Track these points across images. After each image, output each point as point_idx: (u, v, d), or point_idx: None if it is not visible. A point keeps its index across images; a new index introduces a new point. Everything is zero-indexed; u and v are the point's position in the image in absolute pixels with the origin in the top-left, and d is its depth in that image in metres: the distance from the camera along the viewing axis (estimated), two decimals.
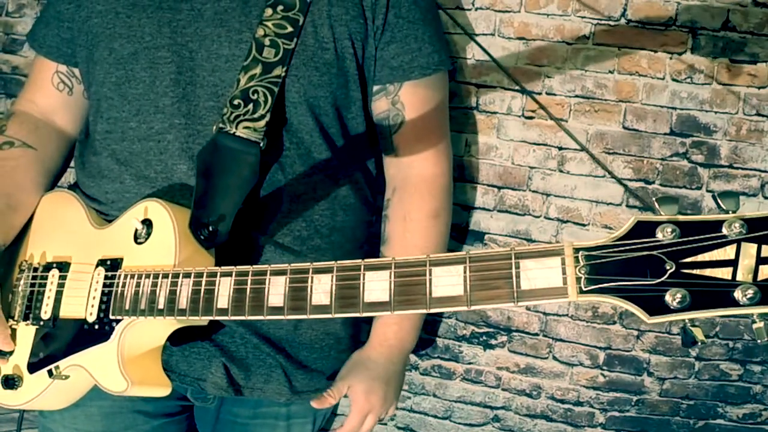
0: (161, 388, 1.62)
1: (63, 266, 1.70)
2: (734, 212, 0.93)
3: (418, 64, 1.79)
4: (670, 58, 2.14)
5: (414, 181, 1.87)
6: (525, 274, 1.03)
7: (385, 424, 2.55)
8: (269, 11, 1.67)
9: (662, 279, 0.93)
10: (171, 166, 1.71)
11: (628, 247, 0.95)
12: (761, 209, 2.07)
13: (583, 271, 0.98)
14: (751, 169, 2.16)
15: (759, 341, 0.91)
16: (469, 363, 2.43)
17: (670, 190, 2.19)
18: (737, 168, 2.16)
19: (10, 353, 1.71)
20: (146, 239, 1.59)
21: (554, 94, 2.21)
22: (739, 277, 0.90)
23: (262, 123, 1.64)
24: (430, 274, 1.13)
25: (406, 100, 1.81)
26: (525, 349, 2.37)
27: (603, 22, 2.15)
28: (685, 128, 2.17)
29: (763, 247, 0.90)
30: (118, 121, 1.75)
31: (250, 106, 1.64)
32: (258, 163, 1.64)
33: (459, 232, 2.35)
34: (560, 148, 2.23)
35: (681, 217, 0.94)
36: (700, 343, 0.95)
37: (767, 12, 2.07)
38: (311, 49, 1.70)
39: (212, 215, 1.61)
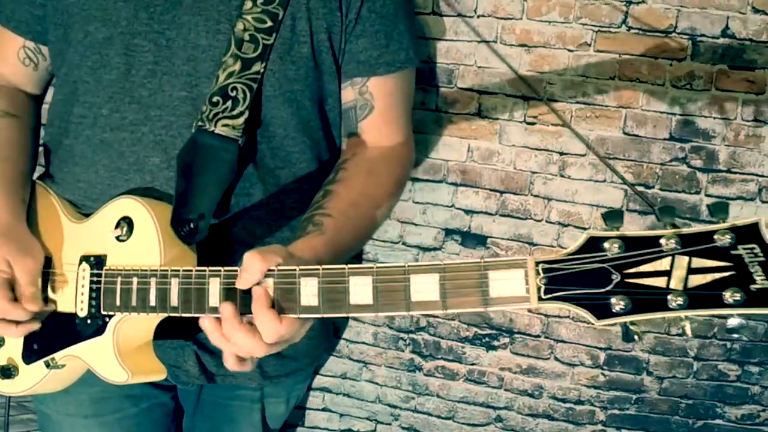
0: (158, 374, 1.76)
1: (45, 262, 1.78)
2: (673, 227, 1.14)
3: (384, 60, 1.85)
4: (670, 65, 2.27)
5: (381, 150, 1.90)
6: (493, 283, 1.22)
7: (389, 424, 2.73)
8: (249, 4, 1.73)
9: (608, 288, 1.15)
10: (144, 159, 1.78)
11: (580, 261, 1.17)
12: (758, 213, 2.23)
13: (542, 282, 1.18)
14: (749, 174, 2.30)
15: (686, 337, 1.14)
16: (472, 364, 2.59)
17: (670, 195, 2.33)
18: (735, 173, 2.30)
19: (2, 344, 1.83)
20: (128, 237, 1.68)
21: (555, 100, 2.35)
22: (672, 286, 1.11)
23: (241, 120, 1.72)
24: (408, 281, 1.30)
25: (374, 91, 1.87)
26: (527, 350, 2.54)
27: (604, 29, 2.29)
28: (685, 133, 2.30)
29: (693, 259, 1.10)
30: (93, 106, 1.80)
31: (229, 103, 1.71)
32: (236, 160, 1.73)
33: (462, 236, 2.51)
34: (561, 153, 2.38)
35: (626, 233, 1.14)
36: (638, 339, 1.18)
37: (766, 19, 2.20)
38: (288, 43, 1.76)
39: (192, 212, 1.69)
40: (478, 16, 2.38)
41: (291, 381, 2.12)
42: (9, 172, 1.84)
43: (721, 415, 2.49)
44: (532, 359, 2.55)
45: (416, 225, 2.55)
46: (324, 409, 2.79)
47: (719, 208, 1.11)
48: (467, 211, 2.50)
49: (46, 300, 1.79)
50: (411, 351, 2.64)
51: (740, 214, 2.31)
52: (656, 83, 2.31)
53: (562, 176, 2.42)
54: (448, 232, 2.53)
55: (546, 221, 2.45)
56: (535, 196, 2.45)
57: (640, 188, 2.37)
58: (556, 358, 2.53)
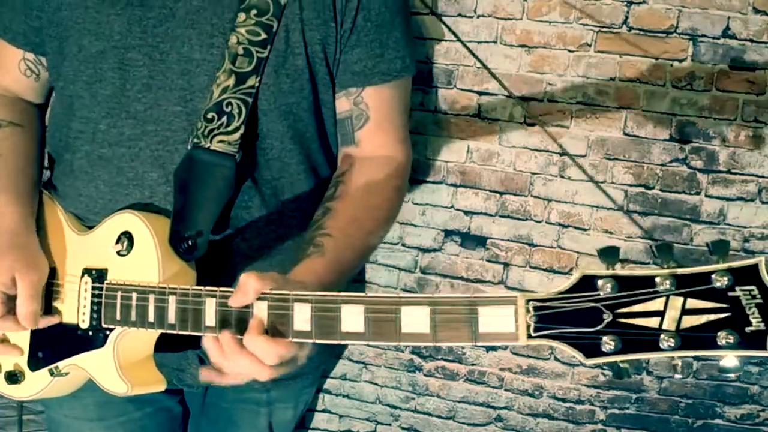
0: (158, 386, 1.78)
1: (50, 272, 1.80)
2: (668, 267, 1.14)
3: (379, 69, 1.82)
4: (671, 65, 2.26)
5: (379, 161, 1.88)
6: (482, 319, 1.22)
7: (389, 425, 2.73)
8: (242, 16, 1.70)
9: (599, 327, 1.15)
10: (142, 174, 1.77)
11: (572, 300, 1.17)
12: (758, 214, 2.23)
13: (532, 320, 1.17)
14: (748, 175, 2.29)
15: (674, 376, 1.14)
16: (473, 364, 2.59)
17: (670, 196, 2.33)
18: (735, 173, 2.30)
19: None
20: (128, 252, 1.70)
21: (556, 101, 2.35)
22: (665, 326, 1.11)
23: (237, 135, 1.70)
24: (400, 313, 1.31)
25: (369, 102, 1.84)
26: (527, 350, 2.53)
27: (605, 29, 2.28)
28: (685, 134, 2.30)
29: (688, 300, 1.10)
30: (90, 121, 1.79)
31: (224, 119, 1.70)
32: (234, 176, 1.72)
33: (461, 237, 2.51)
34: (561, 154, 2.37)
35: (621, 272, 1.13)
36: (626, 377, 1.19)
37: (766, 19, 2.19)
38: (282, 56, 1.74)
39: (191, 229, 1.69)
40: (478, 17, 2.37)
41: (298, 385, 2.12)
42: (20, 182, 1.85)
43: (720, 414, 2.49)
44: (532, 359, 2.56)
45: (416, 226, 2.55)
46: (324, 411, 2.80)
47: (718, 248, 1.11)
48: (467, 212, 2.50)
49: (50, 310, 1.81)
50: (411, 351, 2.65)
51: (740, 215, 2.32)
52: (657, 84, 2.30)
53: (562, 177, 2.41)
54: (448, 233, 2.53)
55: (546, 222, 2.45)
56: (535, 197, 2.44)
57: (641, 189, 2.37)
58: (556, 358, 2.53)
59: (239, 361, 1.44)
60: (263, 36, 1.72)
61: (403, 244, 2.57)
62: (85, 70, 1.78)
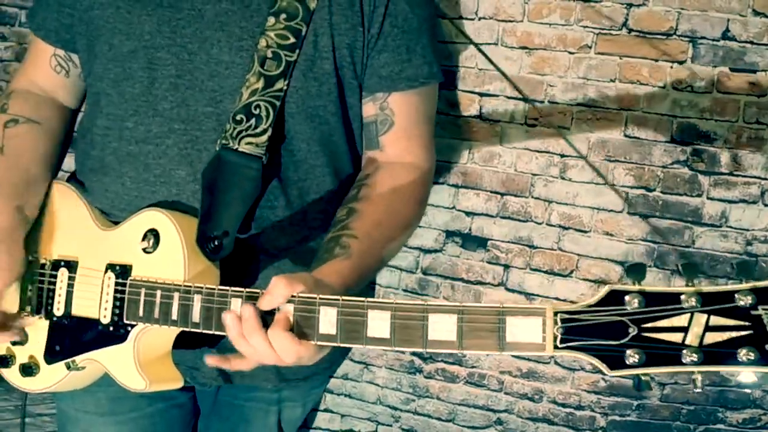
0: (175, 383, 1.82)
1: (71, 266, 1.84)
2: (693, 284, 1.19)
3: (406, 75, 1.84)
4: (671, 67, 2.32)
5: (404, 167, 1.90)
6: (510, 329, 1.28)
7: (390, 425, 2.78)
8: (272, 20, 1.74)
9: (624, 341, 1.20)
10: (169, 171, 1.80)
11: (599, 313, 1.23)
12: (761, 216, 2.28)
13: (559, 331, 1.23)
14: (751, 177, 2.35)
15: (694, 389, 1.20)
16: (473, 367, 2.64)
17: (671, 198, 2.39)
18: (737, 175, 2.35)
19: (25, 341, 1.89)
20: (154, 250, 1.73)
21: (556, 103, 2.39)
22: (688, 341, 1.16)
23: (264, 138, 1.75)
24: (427, 320, 1.35)
25: (395, 107, 1.87)
26: None
27: (605, 31, 2.33)
28: (686, 136, 2.35)
29: (712, 317, 1.16)
30: (116, 118, 1.83)
31: (252, 120, 1.74)
32: (260, 177, 1.76)
33: (462, 238, 2.56)
34: (562, 156, 2.43)
35: (647, 288, 1.19)
36: (645, 389, 1.24)
37: (766, 22, 2.25)
38: (311, 59, 1.76)
39: (217, 229, 1.74)
40: (479, 19, 2.41)
41: (308, 385, 2.15)
42: (15, 178, 1.88)
43: (722, 419, 2.54)
44: (533, 363, 2.61)
45: (417, 227, 2.56)
46: (326, 410, 2.85)
47: (743, 269, 1.16)
48: (468, 213, 2.55)
49: (71, 304, 1.84)
50: (411, 353, 2.69)
51: (742, 218, 2.38)
52: (657, 85, 2.35)
53: (563, 179, 2.46)
54: (449, 234, 2.58)
55: (546, 224, 2.50)
56: (536, 198, 2.49)
57: (642, 191, 2.42)
58: (556, 362, 2.59)
59: (256, 343, 1.49)
60: (292, 40, 1.76)
61: (404, 245, 2.59)
62: (113, 69, 1.83)
